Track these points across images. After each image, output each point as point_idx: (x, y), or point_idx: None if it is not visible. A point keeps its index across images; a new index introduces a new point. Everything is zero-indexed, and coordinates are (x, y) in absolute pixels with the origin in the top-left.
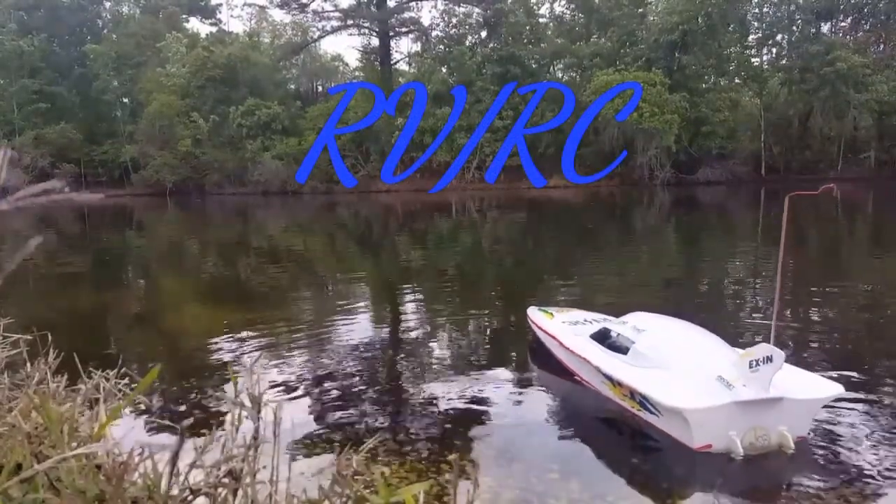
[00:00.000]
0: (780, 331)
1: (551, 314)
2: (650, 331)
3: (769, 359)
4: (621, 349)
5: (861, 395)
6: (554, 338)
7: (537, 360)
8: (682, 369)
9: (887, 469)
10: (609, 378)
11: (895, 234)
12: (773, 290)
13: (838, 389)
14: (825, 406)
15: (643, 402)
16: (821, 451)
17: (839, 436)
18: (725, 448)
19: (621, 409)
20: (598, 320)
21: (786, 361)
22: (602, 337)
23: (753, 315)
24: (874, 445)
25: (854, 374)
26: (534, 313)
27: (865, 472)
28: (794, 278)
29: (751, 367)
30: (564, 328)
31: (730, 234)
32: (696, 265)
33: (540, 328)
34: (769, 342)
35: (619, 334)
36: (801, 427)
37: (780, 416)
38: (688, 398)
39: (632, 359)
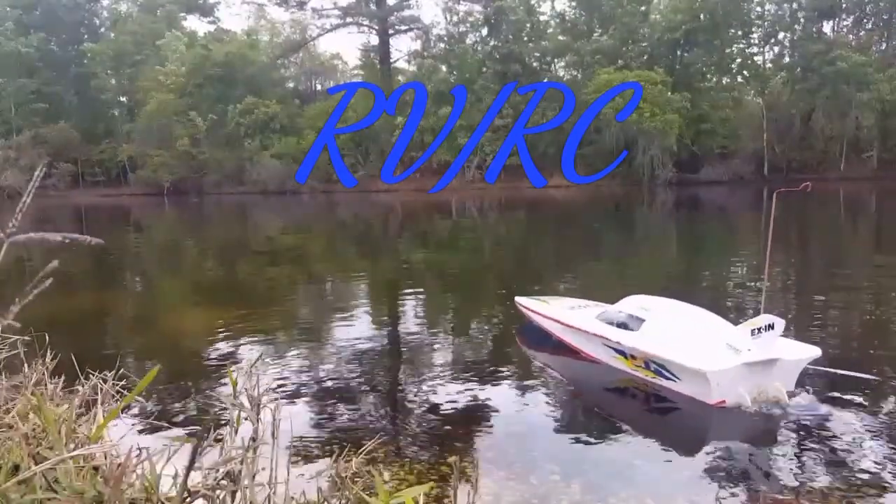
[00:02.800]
0: (768, 301)
1: (545, 301)
2: (658, 308)
3: (771, 326)
4: (629, 326)
5: (837, 356)
6: (557, 321)
7: (531, 347)
8: (694, 338)
9: (865, 423)
10: (623, 352)
11: (891, 232)
12: (765, 281)
13: (817, 352)
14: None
15: (659, 369)
16: (810, 407)
17: (822, 396)
18: (736, 403)
19: (634, 378)
20: (590, 305)
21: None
22: (609, 317)
23: (747, 297)
24: (853, 408)
25: (835, 342)
26: (526, 301)
27: (844, 420)
28: (791, 268)
29: (753, 334)
30: (566, 312)
31: (730, 233)
32: (695, 261)
33: (537, 313)
34: (761, 313)
35: (627, 314)
36: (790, 382)
37: (775, 374)
38: (706, 361)
39: (644, 333)
